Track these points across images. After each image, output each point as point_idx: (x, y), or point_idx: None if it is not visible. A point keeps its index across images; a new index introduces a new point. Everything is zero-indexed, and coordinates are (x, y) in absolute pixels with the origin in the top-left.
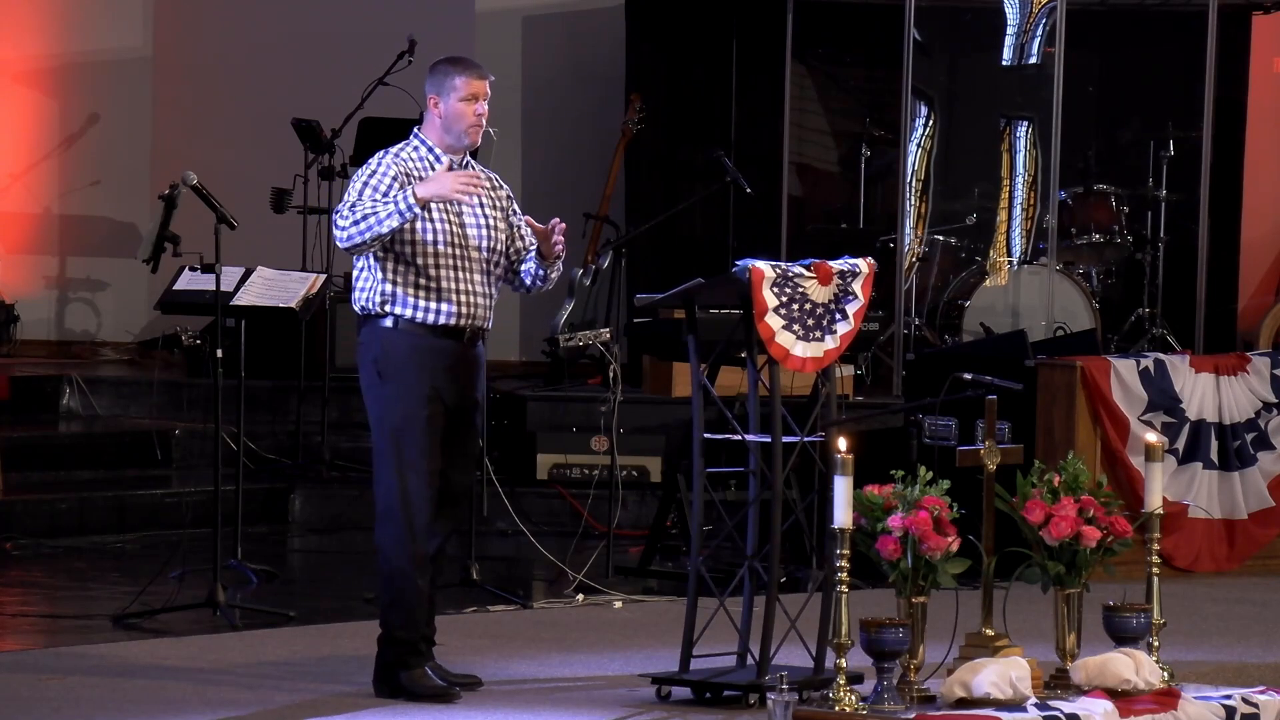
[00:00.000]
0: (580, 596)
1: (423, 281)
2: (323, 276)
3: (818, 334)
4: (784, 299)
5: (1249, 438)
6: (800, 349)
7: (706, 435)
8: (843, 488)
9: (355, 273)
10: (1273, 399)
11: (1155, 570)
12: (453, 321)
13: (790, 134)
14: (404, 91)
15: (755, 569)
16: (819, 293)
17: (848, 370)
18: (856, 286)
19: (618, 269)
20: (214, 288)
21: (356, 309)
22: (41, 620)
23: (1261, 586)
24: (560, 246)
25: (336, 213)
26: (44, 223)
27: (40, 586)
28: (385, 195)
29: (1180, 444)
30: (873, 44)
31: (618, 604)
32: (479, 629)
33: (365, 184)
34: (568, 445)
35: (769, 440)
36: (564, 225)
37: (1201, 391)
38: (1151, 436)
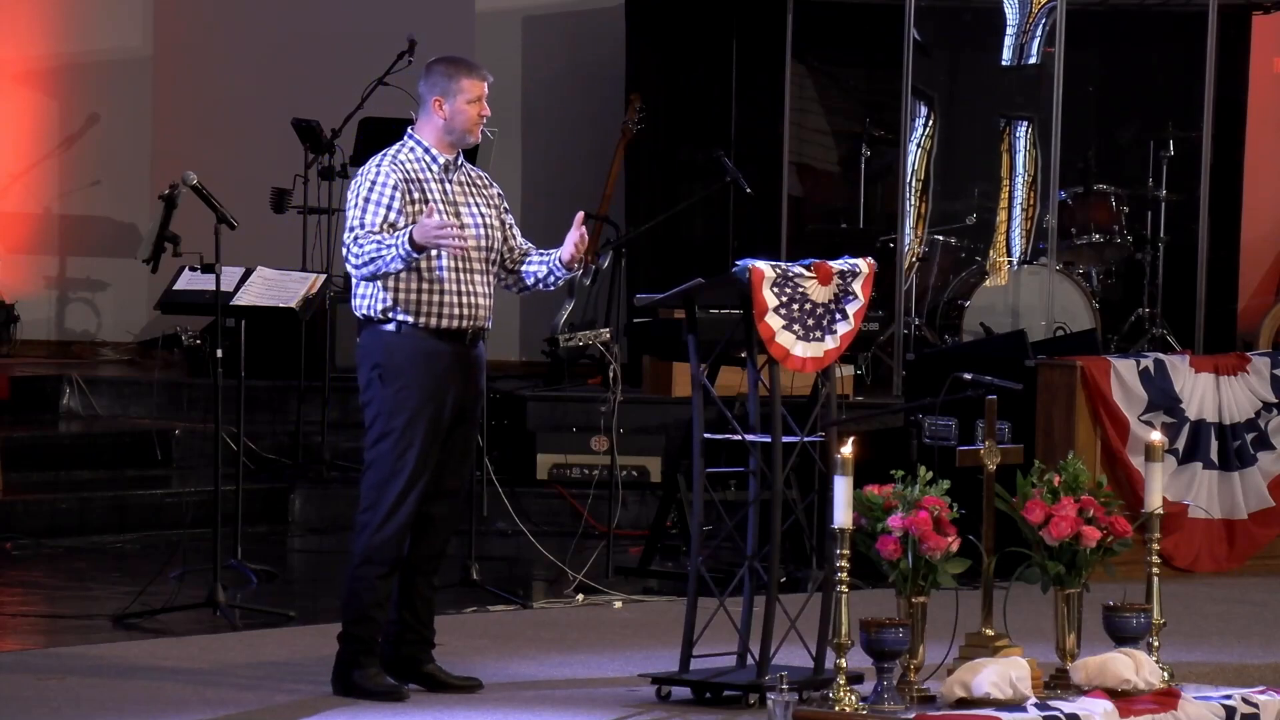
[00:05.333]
0: (580, 596)
1: (424, 285)
2: (323, 276)
3: (818, 334)
4: (784, 299)
5: (1249, 438)
6: (800, 349)
7: (706, 435)
8: (843, 488)
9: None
10: (1273, 399)
11: (1155, 570)
12: (454, 324)
13: (790, 134)
14: (404, 91)
15: (755, 569)
16: (819, 293)
17: (848, 370)
18: (856, 286)
19: (618, 269)
20: (214, 288)
21: (358, 314)
22: (41, 620)
23: (1261, 586)
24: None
25: (348, 231)
26: (44, 223)
27: (40, 586)
28: (389, 208)
29: (1180, 444)
30: (873, 44)
31: (618, 604)
32: (479, 629)
33: (368, 200)
34: (568, 445)
35: (769, 440)
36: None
37: (1201, 391)
38: (1154, 436)
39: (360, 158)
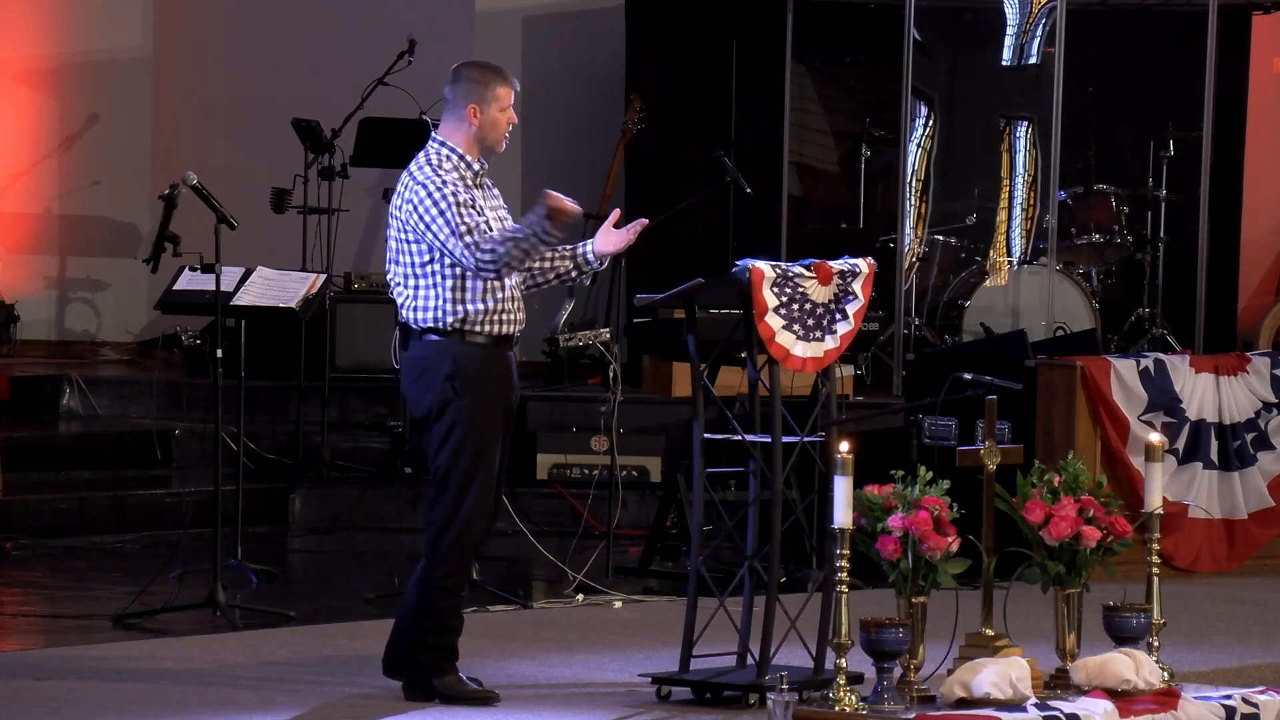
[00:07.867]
0: (580, 596)
1: (487, 292)
2: (322, 276)
3: (818, 334)
4: (784, 299)
5: (1249, 438)
6: (800, 349)
7: (706, 435)
8: (843, 488)
9: (409, 289)
10: (1273, 399)
11: (1155, 570)
12: (510, 330)
13: (790, 134)
14: (404, 91)
15: (755, 569)
16: (819, 293)
17: (848, 370)
18: (856, 286)
19: (618, 269)
20: (214, 288)
21: (417, 326)
22: (41, 620)
23: (1261, 586)
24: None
25: (456, 238)
26: (44, 223)
27: (40, 586)
28: (470, 205)
29: (1180, 444)
30: (873, 44)
31: (618, 604)
32: (479, 629)
33: (450, 205)
34: (568, 445)
35: (769, 440)
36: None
37: (1201, 391)
38: (1154, 436)
39: (360, 158)
